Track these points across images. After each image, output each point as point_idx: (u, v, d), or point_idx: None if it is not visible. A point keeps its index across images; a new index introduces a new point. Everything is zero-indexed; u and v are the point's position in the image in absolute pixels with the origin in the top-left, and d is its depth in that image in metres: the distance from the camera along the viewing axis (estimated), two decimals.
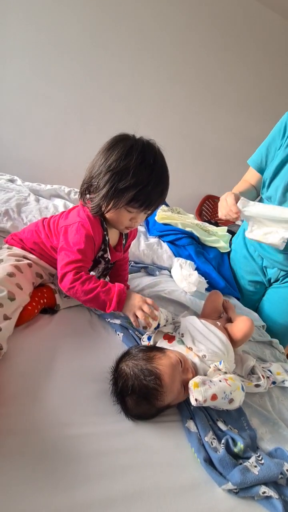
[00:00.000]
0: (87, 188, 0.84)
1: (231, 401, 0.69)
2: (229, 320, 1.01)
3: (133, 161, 0.75)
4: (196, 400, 0.66)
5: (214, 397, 0.67)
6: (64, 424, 0.62)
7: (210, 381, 0.69)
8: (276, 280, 1.31)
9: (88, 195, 0.85)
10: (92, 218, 0.85)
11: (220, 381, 0.70)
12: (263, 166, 1.18)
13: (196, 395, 0.66)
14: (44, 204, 1.45)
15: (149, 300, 0.80)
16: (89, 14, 2.36)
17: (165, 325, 0.89)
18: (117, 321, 0.93)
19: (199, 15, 2.63)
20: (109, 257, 0.92)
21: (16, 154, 2.54)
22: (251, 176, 1.25)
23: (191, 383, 0.68)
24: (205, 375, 0.75)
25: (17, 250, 0.93)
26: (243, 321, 0.93)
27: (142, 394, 0.66)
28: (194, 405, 0.67)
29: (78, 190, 1.49)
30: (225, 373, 0.75)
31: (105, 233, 0.88)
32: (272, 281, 1.33)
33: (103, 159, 0.78)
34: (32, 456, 0.55)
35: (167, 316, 0.88)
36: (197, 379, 0.68)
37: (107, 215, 0.85)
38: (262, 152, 1.17)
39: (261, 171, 1.20)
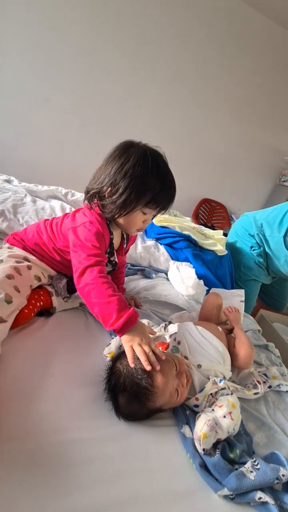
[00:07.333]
0: (96, 194, 0.84)
1: (232, 433, 0.69)
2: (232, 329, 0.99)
3: (150, 165, 0.79)
4: (204, 449, 0.63)
5: (219, 440, 0.66)
6: (58, 428, 0.61)
7: (216, 423, 0.65)
8: None
9: (97, 200, 0.85)
10: (100, 220, 0.85)
11: (225, 416, 0.67)
12: None
13: (204, 445, 0.63)
14: (40, 205, 1.44)
15: (153, 344, 0.71)
16: (88, 16, 2.37)
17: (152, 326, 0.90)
18: None
19: (199, 19, 2.66)
20: (116, 260, 0.92)
21: (13, 155, 2.53)
22: None
23: (200, 434, 0.63)
24: (202, 386, 0.74)
25: (18, 251, 0.92)
26: (244, 349, 0.89)
27: (133, 392, 0.65)
28: (201, 453, 0.64)
29: (77, 192, 1.48)
30: (223, 388, 0.74)
31: (111, 236, 0.89)
32: None
33: (118, 166, 0.79)
34: (26, 461, 0.54)
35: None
36: (205, 427, 0.63)
37: (121, 219, 0.86)
38: None
39: None
